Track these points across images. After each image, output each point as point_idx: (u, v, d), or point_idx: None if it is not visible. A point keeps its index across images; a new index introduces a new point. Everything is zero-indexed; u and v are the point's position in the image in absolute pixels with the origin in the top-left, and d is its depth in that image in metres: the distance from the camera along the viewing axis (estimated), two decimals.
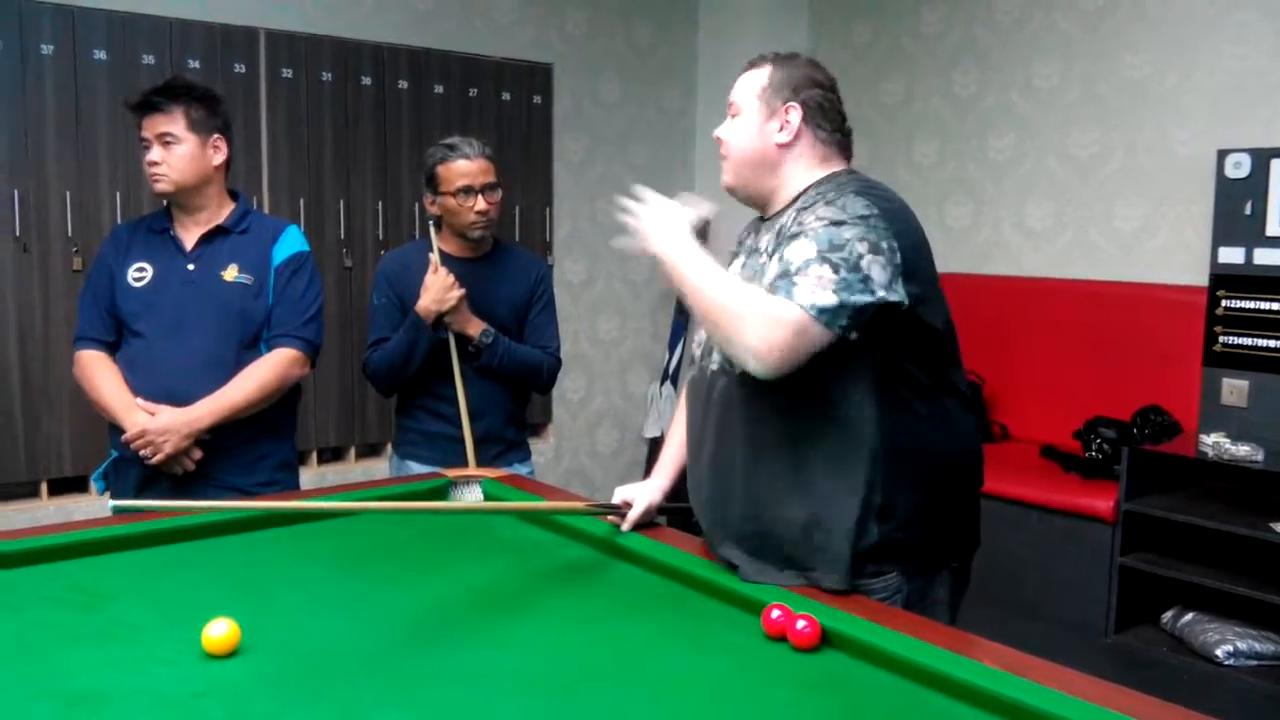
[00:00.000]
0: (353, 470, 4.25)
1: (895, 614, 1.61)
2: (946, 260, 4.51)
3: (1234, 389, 3.62)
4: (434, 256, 2.69)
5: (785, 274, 1.63)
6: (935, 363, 1.73)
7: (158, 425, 2.36)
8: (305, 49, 4.05)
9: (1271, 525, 3.20)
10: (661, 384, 5.09)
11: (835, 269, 1.60)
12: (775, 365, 1.60)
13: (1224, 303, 3.64)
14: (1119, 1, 4.10)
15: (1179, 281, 3.93)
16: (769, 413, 1.73)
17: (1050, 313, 4.27)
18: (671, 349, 5.03)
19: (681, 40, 5.19)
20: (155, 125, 2.42)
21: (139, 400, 2.39)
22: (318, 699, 1.37)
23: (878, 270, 1.61)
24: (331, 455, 4.32)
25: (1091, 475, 3.72)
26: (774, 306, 1.60)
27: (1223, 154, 3.64)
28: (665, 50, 5.14)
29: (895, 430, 1.69)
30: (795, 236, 1.67)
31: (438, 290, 2.63)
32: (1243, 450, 3.36)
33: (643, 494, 2.00)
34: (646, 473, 4.80)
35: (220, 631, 1.48)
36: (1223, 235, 3.64)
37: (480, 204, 2.69)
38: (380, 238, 4.27)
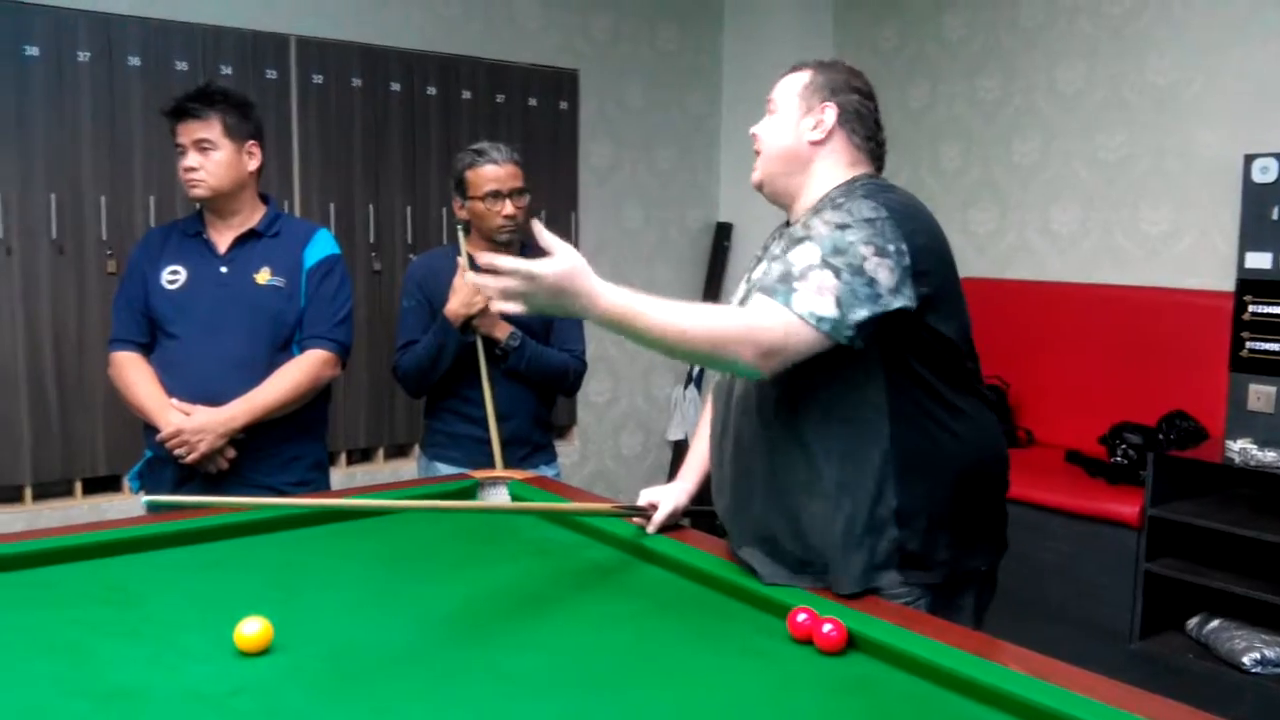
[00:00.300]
0: (381, 471, 4.30)
1: (921, 618, 1.61)
2: (971, 265, 4.53)
3: (1261, 394, 3.59)
4: (462, 260, 2.72)
5: (786, 276, 1.62)
6: (949, 365, 1.73)
7: (193, 425, 2.40)
8: (335, 55, 4.09)
9: None
10: (685, 387, 5.11)
11: (837, 273, 1.59)
12: (772, 370, 1.61)
13: (1251, 308, 3.61)
14: (1144, 5, 4.09)
15: (1205, 286, 3.90)
16: (784, 416, 1.73)
17: (1075, 317, 4.25)
18: None
19: (706, 45, 5.20)
20: (192, 131, 2.45)
21: (174, 400, 2.43)
22: (348, 697, 1.39)
23: (884, 273, 1.61)
24: (360, 456, 4.36)
25: (1117, 481, 3.70)
26: (762, 318, 1.59)
27: (1249, 158, 3.62)
28: (690, 55, 5.15)
29: (909, 434, 1.69)
30: (801, 240, 1.67)
31: (466, 294, 2.66)
32: (1269, 456, 3.34)
33: (668, 496, 2.01)
34: (670, 476, 4.81)
35: (253, 630, 1.49)
36: (1250, 240, 3.62)
37: (508, 208, 2.72)
38: (409, 241, 4.30)
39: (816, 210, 1.74)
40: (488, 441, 2.72)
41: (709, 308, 1.66)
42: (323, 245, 2.61)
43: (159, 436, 2.42)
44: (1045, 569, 3.69)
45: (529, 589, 1.82)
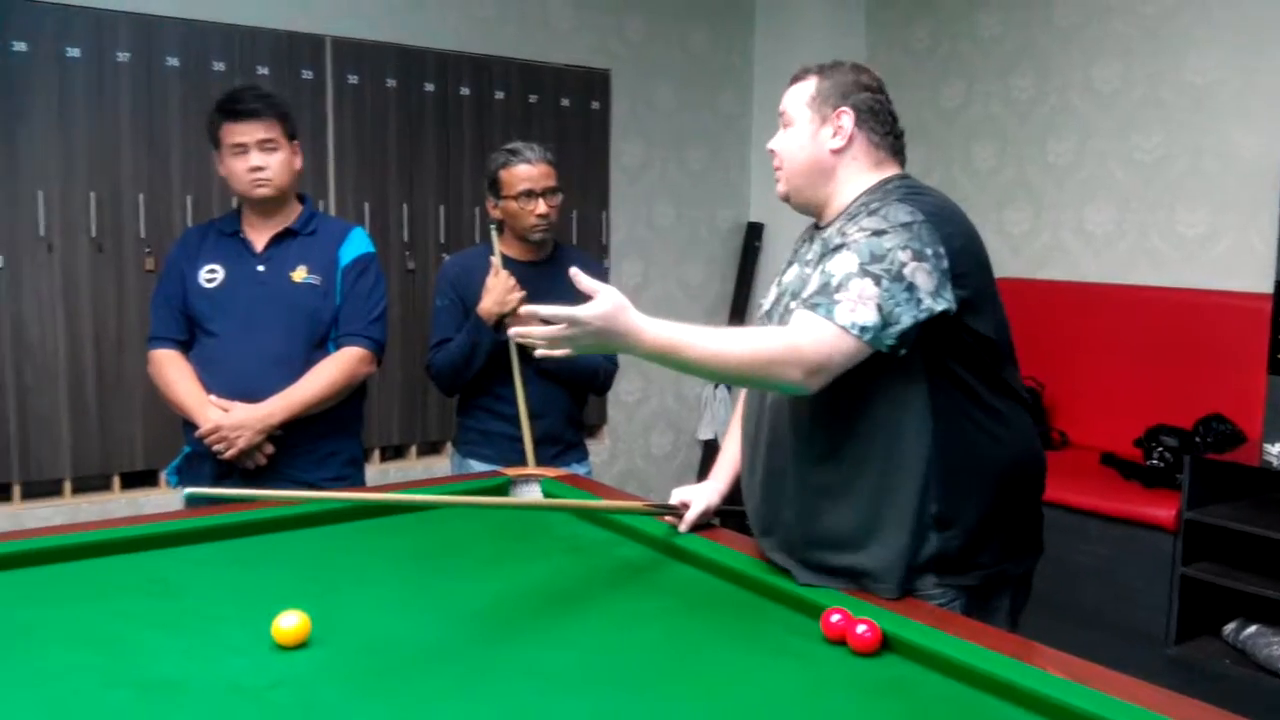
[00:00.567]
0: (414, 467, 4.33)
1: (956, 620, 1.60)
2: (1005, 265, 4.50)
3: None
4: (495, 260, 2.73)
5: (825, 288, 1.62)
6: (988, 367, 1.72)
7: (231, 421, 2.42)
8: (370, 56, 4.12)
9: None
10: (716, 387, 5.10)
11: (877, 281, 1.59)
12: (819, 385, 1.61)
13: None
14: (1182, 4, 4.04)
15: (1243, 288, 3.86)
16: (821, 421, 1.72)
17: (1111, 319, 4.21)
18: None
19: (738, 45, 5.20)
20: (254, 131, 2.47)
21: (212, 397, 2.46)
22: (384, 691, 1.40)
23: (923, 277, 1.60)
24: (394, 453, 4.39)
25: (1152, 484, 3.67)
26: (805, 335, 1.59)
27: None
28: (722, 55, 5.15)
29: (949, 437, 1.68)
30: (839, 249, 1.66)
31: (499, 293, 2.67)
32: None
33: (700, 496, 2.02)
34: (700, 475, 4.80)
35: (291, 623, 1.51)
36: None
37: (541, 207, 2.73)
38: (442, 241, 4.33)
39: (851, 216, 1.73)
40: (520, 439, 2.73)
41: (750, 331, 1.66)
42: (358, 244, 2.63)
43: (198, 432, 2.44)
44: (1080, 572, 3.66)
45: (561, 586, 1.83)
